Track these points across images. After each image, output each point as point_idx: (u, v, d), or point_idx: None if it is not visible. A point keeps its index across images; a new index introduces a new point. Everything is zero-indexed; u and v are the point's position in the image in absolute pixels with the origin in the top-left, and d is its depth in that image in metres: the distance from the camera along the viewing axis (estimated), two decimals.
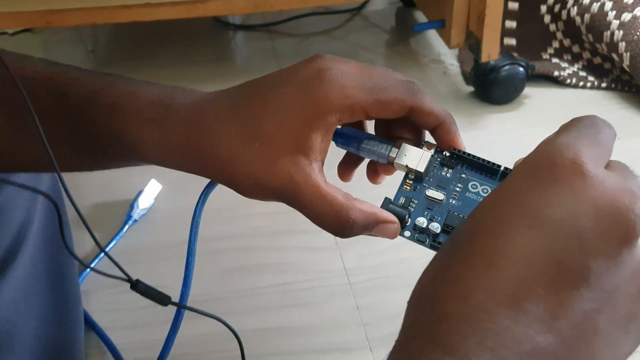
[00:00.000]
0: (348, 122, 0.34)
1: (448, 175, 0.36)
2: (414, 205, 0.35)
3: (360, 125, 0.38)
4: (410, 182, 0.36)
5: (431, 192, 0.35)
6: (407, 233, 0.35)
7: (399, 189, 0.36)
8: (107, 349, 0.48)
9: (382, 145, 0.36)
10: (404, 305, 0.52)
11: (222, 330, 0.48)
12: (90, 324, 0.49)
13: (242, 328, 0.49)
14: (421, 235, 0.35)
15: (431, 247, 0.35)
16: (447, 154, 0.36)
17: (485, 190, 0.36)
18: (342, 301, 0.51)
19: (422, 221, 0.34)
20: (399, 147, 0.36)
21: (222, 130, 0.33)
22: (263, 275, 0.54)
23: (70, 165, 0.38)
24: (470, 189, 0.36)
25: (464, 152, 0.36)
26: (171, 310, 0.47)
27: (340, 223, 0.32)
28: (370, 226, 0.33)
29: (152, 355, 0.45)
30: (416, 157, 0.36)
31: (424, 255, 0.55)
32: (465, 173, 0.36)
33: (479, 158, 0.36)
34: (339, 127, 0.36)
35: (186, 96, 0.35)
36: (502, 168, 0.36)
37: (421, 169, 0.35)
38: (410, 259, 0.55)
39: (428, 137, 0.36)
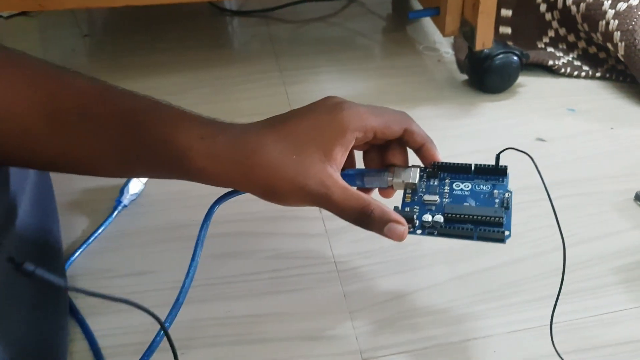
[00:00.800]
0: (361, 141, 0.43)
1: (435, 183, 0.46)
2: (417, 210, 0.44)
3: (352, 158, 0.48)
4: (409, 195, 0.45)
5: (427, 197, 0.44)
6: (419, 231, 0.43)
7: (402, 202, 0.45)
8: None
9: (381, 173, 0.46)
10: (391, 293, 0.53)
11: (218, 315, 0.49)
12: (71, 309, 0.49)
13: (230, 314, 0.50)
14: (430, 229, 0.43)
15: (440, 235, 0.43)
16: (430, 169, 0.46)
17: (466, 186, 0.45)
18: (330, 288, 0.52)
19: (427, 217, 0.43)
20: (393, 172, 0.46)
21: (265, 143, 0.40)
22: (252, 261, 0.54)
23: (112, 172, 0.44)
24: (454, 188, 0.45)
25: (443, 162, 0.46)
26: (154, 296, 0.47)
27: (362, 213, 0.41)
28: (383, 221, 0.41)
29: (134, 342, 0.46)
30: (408, 174, 0.45)
31: (411, 244, 0.56)
32: (447, 178, 0.46)
33: (454, 164, 0.46)
34: (342, 171, 0.44)
35: (230, 124, 0.42)
36: (473, 165, 0.45)
37: (414, 180, 0.45)
38: (398, 247, 0.55)
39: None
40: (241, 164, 0.39)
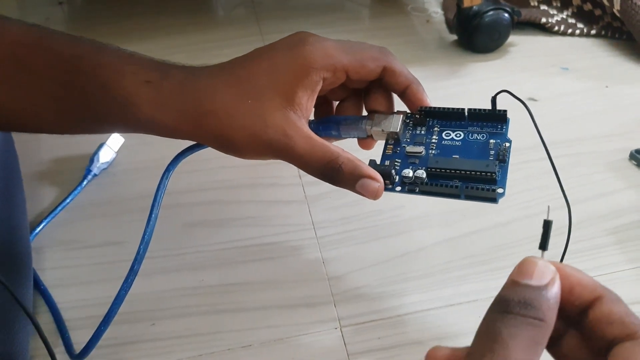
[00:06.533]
0: (332, 83, 0.38)
1: (422, 132, 0.39)
2: (398, 164, 0.38)
3: (331, 108, 0.43)
4: (391, 146, 0.39)
5: (411, 148, 0.38)
6: (398, 188, 0.37)
7: (383, 154, 0.39)
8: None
9: (358, 121, 0.40)
10: (370, 259, 0.50)
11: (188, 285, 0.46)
12: (35, 281, 0.47)
13: (203, 284, 0.47)
14: (411, 186, 0.37)
15: (422, 193, 0.37)
16: (417, 115, 0.39)
17: (458, 135, 0.38)
18: (308, 255, 0.49)
19: (407, 172, 0.37)
20: (372, 120, 0.40)
21: (218, 88, 0.35)
22: (227, 230, 0.52)
23: (57, 126, 0.39)
24: (444, 137, 0.39)
25: (432, 107, 0.39)
26: (124, 267, 0.45)
27: (329, 166, 0.35)
28: (354, 176, 0.36)
29: (98, 314, 0.43)
30: (390, 121, 0.39)
31: (394, 209, 0.53)
32: (437, 126, 0.39)
33: (445, 109, 0.39)
34: (316, 119, 0.41)
35: (180, 66, 0.38)
36: (466, 110, 0.39)
37: (396, 129, 0.39)
38: (379, 212, 0.52)
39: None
40: (189, 112, 0.35)
